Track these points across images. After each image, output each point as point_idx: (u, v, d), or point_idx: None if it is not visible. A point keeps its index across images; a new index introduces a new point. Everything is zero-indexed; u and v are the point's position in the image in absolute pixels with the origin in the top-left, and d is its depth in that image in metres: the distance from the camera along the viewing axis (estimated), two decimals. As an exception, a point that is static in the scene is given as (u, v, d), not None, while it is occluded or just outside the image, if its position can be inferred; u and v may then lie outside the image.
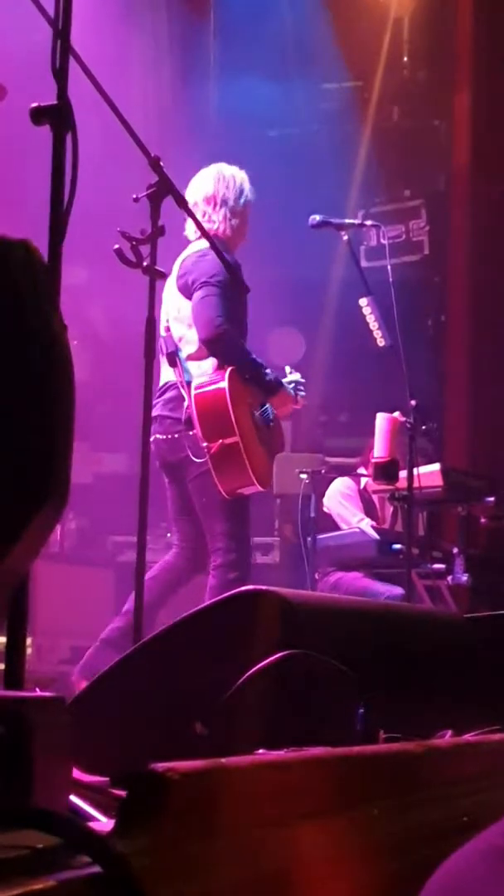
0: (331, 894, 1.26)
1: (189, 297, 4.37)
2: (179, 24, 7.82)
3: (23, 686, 1.65)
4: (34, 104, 1.95)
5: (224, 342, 4.30)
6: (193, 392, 4.27)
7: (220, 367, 4.34)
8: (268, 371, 4.52)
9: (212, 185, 4.52)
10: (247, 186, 4.57)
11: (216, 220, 4.47)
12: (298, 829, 1.23)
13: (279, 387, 4.57)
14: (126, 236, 3.18)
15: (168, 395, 4.42)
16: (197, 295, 4.30)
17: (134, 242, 3.17)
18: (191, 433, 4.27)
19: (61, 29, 2.05)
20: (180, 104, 7.61)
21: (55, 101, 1.91)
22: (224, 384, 4.25)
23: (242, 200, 4.52)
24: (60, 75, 1.93)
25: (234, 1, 7.73)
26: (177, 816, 1.04)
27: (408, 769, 1.56)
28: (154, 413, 4.38)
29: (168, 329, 4.46)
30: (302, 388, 4.83)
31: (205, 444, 4.21)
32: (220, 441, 4.20)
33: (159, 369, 4.44)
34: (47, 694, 1.41)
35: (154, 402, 4.41)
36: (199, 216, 4.40)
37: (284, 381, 4.78)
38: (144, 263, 3.22)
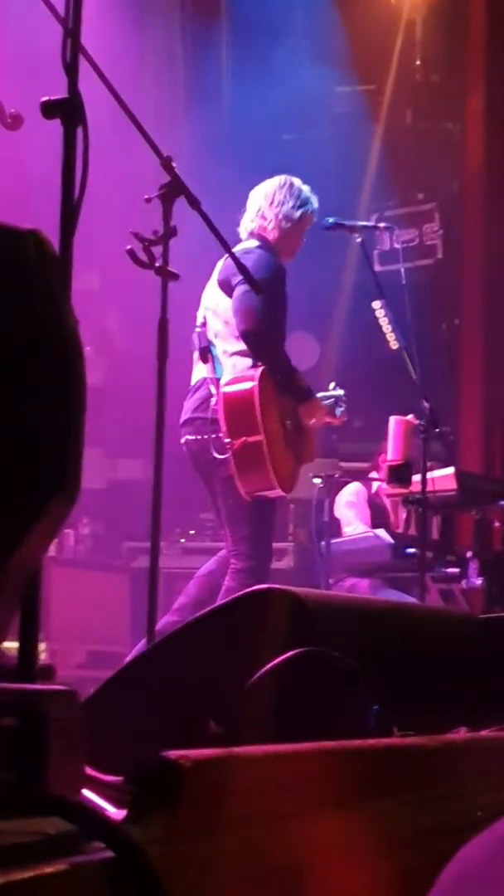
0: (343, 887, 1.25)
1: (229, 293, 4.34)
2: (192, 28, 7.84)
3: (35, 679, 1.65)
4: (45, 98, 1.96)
5: (263, 336, 4.27)
6: (222, 388, 4.22)
7: (255, 365, 4.29)
8: (300, 377, 4.49)
9: (275, 186, 4.57)
10: (311, 203, 4.57)
11: (269, 218, 4.49)
12: (311, 821, 1.23)
13: (310, 395, 4.53)
14: (138, 237, 3.19)
15: (198, 394, 4.37)
16: (240, 289, 4.24)
17: (146, 243, 3.18)
18: (217, 435, 4.21)
19: (72, 27, 2.06)
20: (193, 108, 7.62)
21: (66, 95, 1.93)
22: (254, 382, 4.19)
23: (300, 211, 4.52)
24: (71, 69, 1.94)
25: (246, 4, 7.75)
26: (189, 804, 1.04)
27: (422, 764, 1.56)
28: (185, 416, 4.37)
29: (204, 324, 4.42)
30: (342, 403, 4.82)
31: (227, 441, 4.16)
32: (244, 439, 4.14)
33: (181, 370, 4.42)
34: (60, 687, 1.41)
35: (185, 403, 4.41)
36: (254, 212, 4.45)
37: (325, 394, 4.79)
38: (157, 264, 3.23)
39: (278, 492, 4.27)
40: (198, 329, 4.42)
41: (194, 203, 3.30)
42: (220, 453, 4.20)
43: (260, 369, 4.25)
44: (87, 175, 1.88)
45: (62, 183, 1.85)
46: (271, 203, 4.50)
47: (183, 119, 7.37)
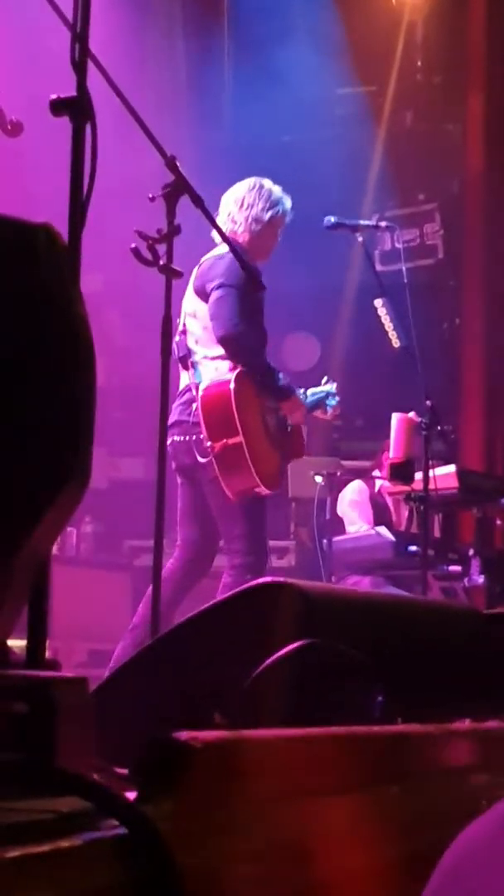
0: (347, 869, 1.27)
1: (205, 299, 4.40)
2: (194, 30, 7.87)
3: (44, 666, 1.67)
4: (53, 96, 1.99)
5: (239, 341, 4.33)
6: (200, 392, 4.29)
7: (234, 368, 4.35)
8: (280, 376, 4.53)
9: (244, 189, 4.61)
10: (283, 204, 4.60)
11: (238, 221, 4.52)
12: (318, 803, 1.25)
13: (290, 393, 4.58)
14: (142, 235, 3.21)
15: (184, 398, 4.45)
16: (214, 295, 4.33)
17: (150, 241, 3.20)
18: (200, 436, 4.27)
19: (80, 28, 2.09)
20: (195, 109, 7.65)
21: (74, 93, 1.96)
22: (230, 384, 4.25)
23: (270, 213, 4.54)
24: (80, 68, 1.97)
25: (247, 6, 7.77)
26: (198, 784, 1.06)
27: (427, 750, 1.57)
28: (173, 418, 4.41)
29: (184, 331, 4.49)
30: (334, 398, 4.86)
31: (208, 444, 4.22)
32: (224, 441, 4.20)
33: (179, 373, 4.47)
34: (69, 674, 1.43)
35: (174, 406, 4.45)
36: (224, 217, 4.48)
37: (316, 389, 4.84)
38: (161, 262, 3.25)
39: (264, 490, 4.32)
40: (177, 339, 4.48)
41: (198, 201, 3.33)
42: (202, 456, 4.26)
43: (236, 371, 4.30)
44: (96, 171, 1.91)
45: (71, 179, 1.88)
46: (241, 206, 4.54)
47: (184, 120, 7.39)
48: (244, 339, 4.34)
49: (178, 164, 3.25)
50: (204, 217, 3.37)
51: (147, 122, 2.98)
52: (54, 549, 6.28)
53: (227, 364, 4.38)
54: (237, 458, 4.22)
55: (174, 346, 4.44)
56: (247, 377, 4.32)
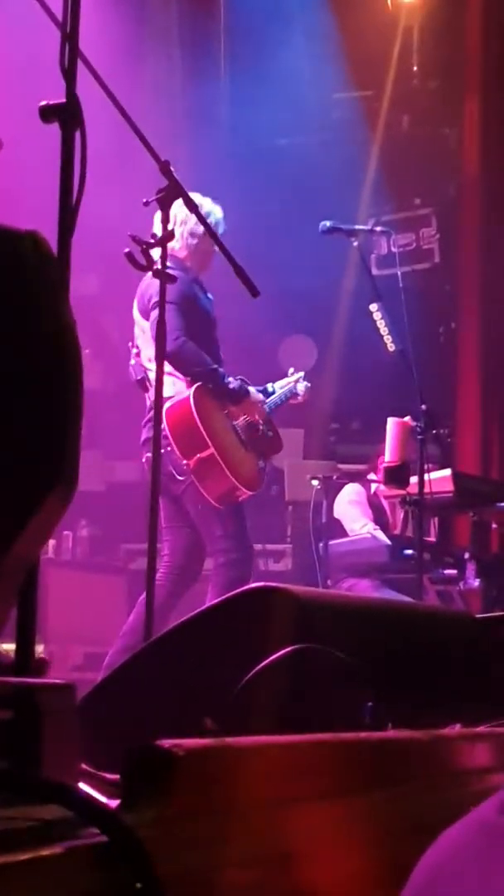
0: (333, 876, 1.27)
1: (147, 317, 4.45)
2: (190, 34, 7.87)
3: (32, 669, 1.67)
4: (43, 102, 1.99)
5: (180, 355, 4.37)
6: (164, 411, 4.34)
7: (190, 382, 4.44)
8: (230, 380, 4.60)
9: (175, 206, 4.62)
10: (213, 215, 4.64)
11: (175, 237, 4.54)
12: (302, 810, 1.25)
13: (243, 394, 4.65)
14: (136, 240, 3.22)
15: (149, 416, 4.52)
16: (153, 314, 4.37)
17: (144, 246, 3.21)
18: (168, 449, 4.33)
19: (69, 32, 2.09)
20: (191, 113, 7.65)
21: (64, 100, 1.96)
22: (189, 401, 4.37)
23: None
24: (69, 74, 1.97)
25: (244, 10, 7.78)
26: (181, 792, 1.06)
27: (415, 757, 1.57)
28: (143, 436, 4.52)
29: (138, 353, 4.55)
30: (300, 384, 4.99)
31: (184, 463, 4.34)
32: (197, 456, 4.34)
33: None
34: (56, 680, 1.43)
35: (143, 424, 4.52)
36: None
37: (282, 381, 5.00)
38: (155, 267, 3.26)
39: (245, 492, 4.46)
40: (132, 362, 4.54)
41: (192, 206, 3.34)
42: (179, 474, 4.37)
43: (194, 386, 4.41)
44: (86, 178, 1.91)
45: (60, 186, 1.88)
46: (174, 223, 4.57)
47: (181, 124, 7.40)
48: (185, 351, 4.40)
49: (172, 168, 3.26)
50: (199, 222, 3.37)
51: (143, 126, 2.98)
52: (50, 553, 6.30)
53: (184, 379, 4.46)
54: (213, 468, 4.36)
55: (130, 369, 4.55)
56: (205, 390, 4.43)
